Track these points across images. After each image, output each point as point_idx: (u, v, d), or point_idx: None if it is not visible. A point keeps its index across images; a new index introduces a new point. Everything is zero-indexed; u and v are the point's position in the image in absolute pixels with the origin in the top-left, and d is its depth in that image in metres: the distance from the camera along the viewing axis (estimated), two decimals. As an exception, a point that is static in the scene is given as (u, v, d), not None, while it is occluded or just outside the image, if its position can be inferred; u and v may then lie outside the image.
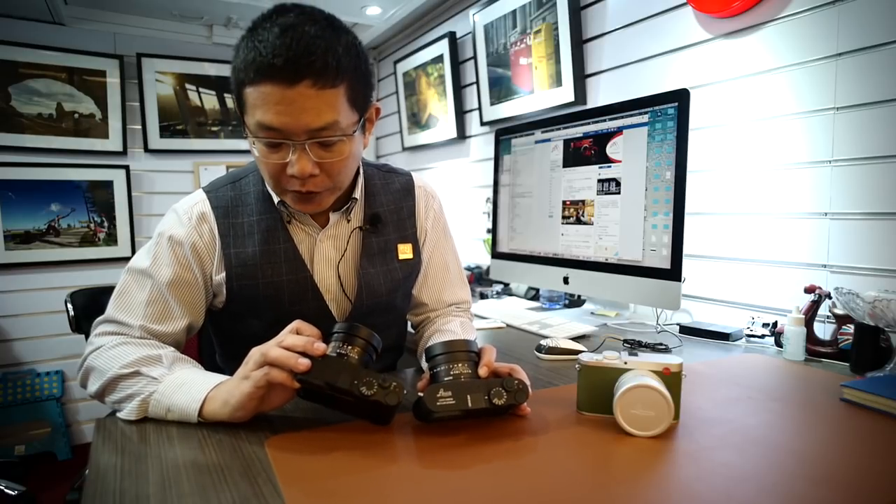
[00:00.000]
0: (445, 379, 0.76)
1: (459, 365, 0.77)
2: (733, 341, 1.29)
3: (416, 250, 1.10)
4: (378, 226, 1.05)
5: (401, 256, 1.07)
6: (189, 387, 0.79)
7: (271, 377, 0.72)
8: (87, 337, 2.29)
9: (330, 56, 0.79)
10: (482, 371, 0.78)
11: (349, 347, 0.75)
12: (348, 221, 1.03)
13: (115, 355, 0.84)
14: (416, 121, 2.92)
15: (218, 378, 0.81)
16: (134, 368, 0.82)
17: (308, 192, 0.88)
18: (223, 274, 0.96)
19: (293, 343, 0.72)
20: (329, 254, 1.01)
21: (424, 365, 0.87)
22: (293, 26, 0.78)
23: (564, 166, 1.42)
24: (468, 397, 0.73)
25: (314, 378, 0.71)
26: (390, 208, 1.07)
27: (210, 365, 1.07)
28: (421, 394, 0.75)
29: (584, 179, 1.36)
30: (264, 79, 0.78)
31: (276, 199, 0.97)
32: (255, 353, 0.75)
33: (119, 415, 0.82)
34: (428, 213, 1.13)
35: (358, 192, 1.02)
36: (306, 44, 0.77)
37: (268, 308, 0.97)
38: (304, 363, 0.71)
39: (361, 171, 1.05)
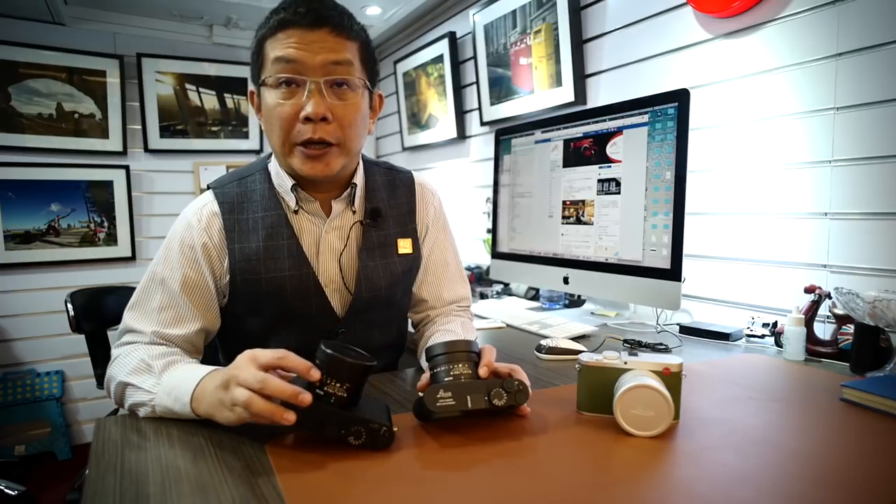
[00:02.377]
0: (445, 379, 0.76)
1: (460, 365, 0.77)
2: (733, 341, 1.29)
3: (416, 245, 1.10)
4: (378, 220, 1.05)
5: (400, 251, 1.08)
6: (178, 392, 0.78)
7: (254, 419, 0.69)
8: (87, 337, 2.30)
9: (346, 17, 0.90)
10: (482, 371, 0.77)
11: (336, 384, 0.69)
12: (353, 213, 1.04)
13: (122, 364, 0.87)
14: (416, 121, 2.92)
15: (194, 381, 0.77)
16: (129, 380, 0.84)
17: (320, 139, 0.90)
18: (228, 270, 0.96)
19: (278, 391, 0.67)
20: (334, 245, 1.02)
21: (424, 364, 0.87)
22: None
23: (564, 166, 1.42)
24: (468, 398, 0.73)
25: (300, 428, 0.68)
26: (391, 203, 1.09)
27: (212, 362, 1.08)
28: (421, 394, 0.75)
29: (584, 179, 1.36)
30: (286, 25, 0.87)
31: (288, 186, 0.98)
32: (238, 391, 0.68)
33: (140, 414, 0.84)
34: (428, 209, 1.14)
35: (358, 178, 1.04)
36: (330, 4, 0.89)
37: (270, 303, 0.98)
38: (290, 419, 0.66)
39: (361, 162, 1.07)
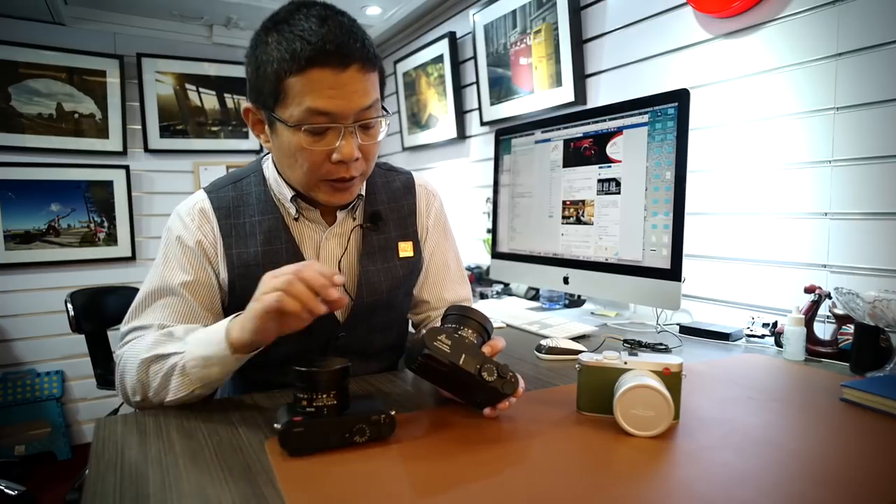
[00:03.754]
0: (452, 335, 0.76)
1: (469, 330, 0.77)
2: (733, 341, 1.29)
3: (417, 248, 1.10)
4: (378, 224, 1.05)
5: (401, 254, 1.07)
6: (209, 336, 0.82)
7: (283, 305, 0.71)
8: (87, 337, 2.30)
9: (367, 43, 0.85)
10: (485, 349, 0.78)
11: (323, 396, 0.70)
12: (354, 219, 1.03)
13: (134, 353, 0.86)
14: (416, 121, 2.92)
15: (225, 321, 0.82)
16: (153, 353, 0.84)
17: (351, 178, 0.90)
18: (226, 275, 0.96)
19: (311, 277, 0.72)
20: (334, 251, 1.02)
21: None
22: (329, 17, 0.83)
23: (564, 166, 1.42)
24: (463, 355, 0.73)
25: (305, 448, 0.68)
26: (391, 206, 1.08)
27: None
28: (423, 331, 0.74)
29: (584, 179, 1.36)
30: (315, 65, 0.81)
31: (288, 195, 0.97)
32: (268, 277, 0.74)
33: (169, 400, 0.83)
34: (429, 211, 1.13)
35: (363, 189, 1.04)
36: (348, 31, 0.83)
37: None
38: (320, 309, 0.71)
39: None
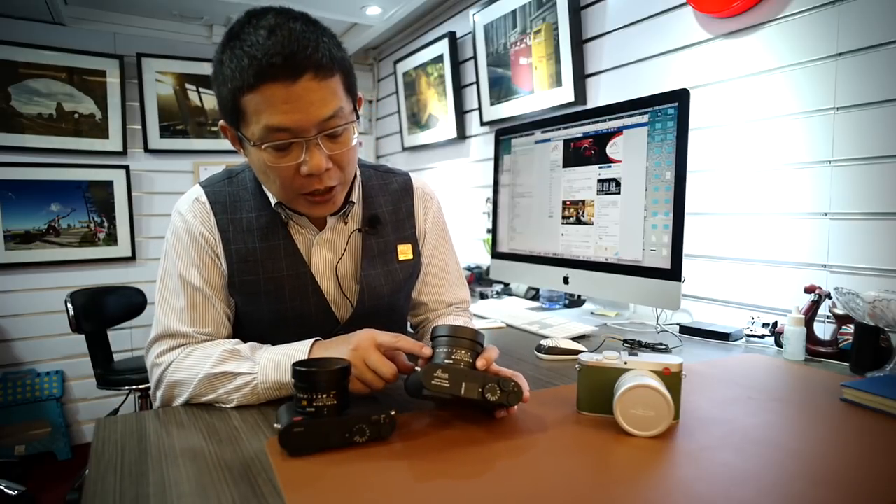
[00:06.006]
0: (445, 361, 0.76)
1: (462, 352, 0.77)
2: (733, 341, 1.29)
3: (416, 251, 1.10)
4: (377, 227, 1.04)
5: (401, 257, 1.07)
6: (280, 361, 0.84)
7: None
8: (87, 337, 2.29)
9: (322, 47, 0.80)
10: (479, 363, 0.77)
11: (323, 396, 0.70)
12: (346, 224, 1.03)
13: (194, 363, 0.87)
14: (416, 121, 2.92)
15: (305, 347, 0.85)
16: (221, 369, 0.85)
17: (326, 189, 0.88)
18: (226, 268, 0.96)
19: (377, 369, 0.79)
20: (327, 256, 1.01)
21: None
22: (278, 25, 0.78)
23: (564, 166, 1.42)
24: (463, 384, 0.73)
25: (305, 448, 0.68)
26: (389, 209, 1.07)
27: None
28: (418, 368, 0.75)
29: (584, 179, 1.36)
30: (266, 81, 0.77)
31: (272, 201, 0.96)
32: (357, 359, 0.79)
33: (228, 407, 0.86)
34: (427, 214, 1.13)
35: (356, 195, 1.02)
36: (297, 39, 0.78)
37: (269, 304, 0.97)
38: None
39: (358, 172, 1.04)
